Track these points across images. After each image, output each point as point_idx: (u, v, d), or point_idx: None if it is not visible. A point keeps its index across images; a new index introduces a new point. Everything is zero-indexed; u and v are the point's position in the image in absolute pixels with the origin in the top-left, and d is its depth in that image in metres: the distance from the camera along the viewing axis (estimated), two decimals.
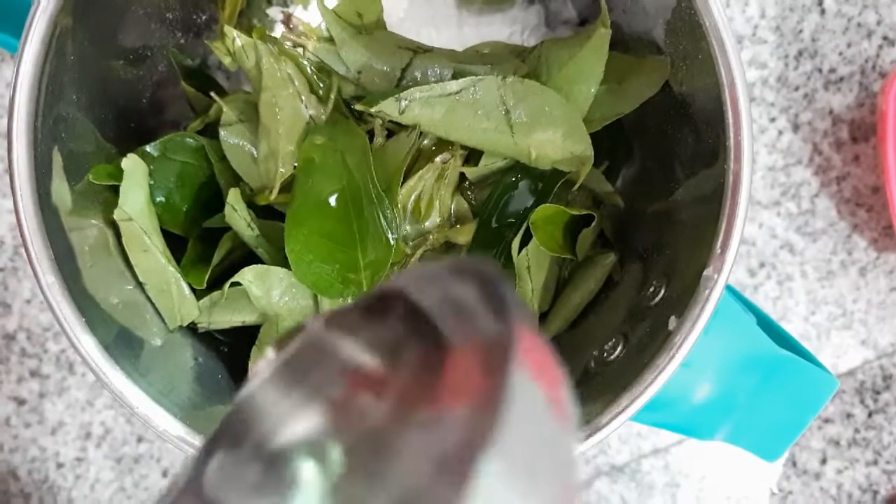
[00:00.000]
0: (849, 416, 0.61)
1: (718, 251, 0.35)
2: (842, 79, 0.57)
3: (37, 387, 0.57)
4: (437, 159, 0.41)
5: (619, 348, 0.40)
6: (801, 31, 0.56)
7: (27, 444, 0.57)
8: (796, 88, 0.57)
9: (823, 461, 0.61)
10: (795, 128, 0.58)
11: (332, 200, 0.40)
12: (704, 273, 0.35)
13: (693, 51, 0.36)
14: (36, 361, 0.56)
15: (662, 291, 0.39)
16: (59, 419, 0.57)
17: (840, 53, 0.56)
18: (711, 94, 0.35)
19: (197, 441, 0.37)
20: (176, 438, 0.37)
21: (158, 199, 0.42)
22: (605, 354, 0.40)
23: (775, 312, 0.59)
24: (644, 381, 0.36)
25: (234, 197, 0.40)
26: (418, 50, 0.43)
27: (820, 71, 0.57)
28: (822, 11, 0.56)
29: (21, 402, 0.57)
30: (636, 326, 0.40)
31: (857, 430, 0.61)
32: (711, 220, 0.36)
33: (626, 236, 0.45)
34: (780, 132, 0.57)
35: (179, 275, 0.40)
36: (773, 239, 0.59)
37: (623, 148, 0.45)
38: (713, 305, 0.35)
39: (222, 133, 0.42)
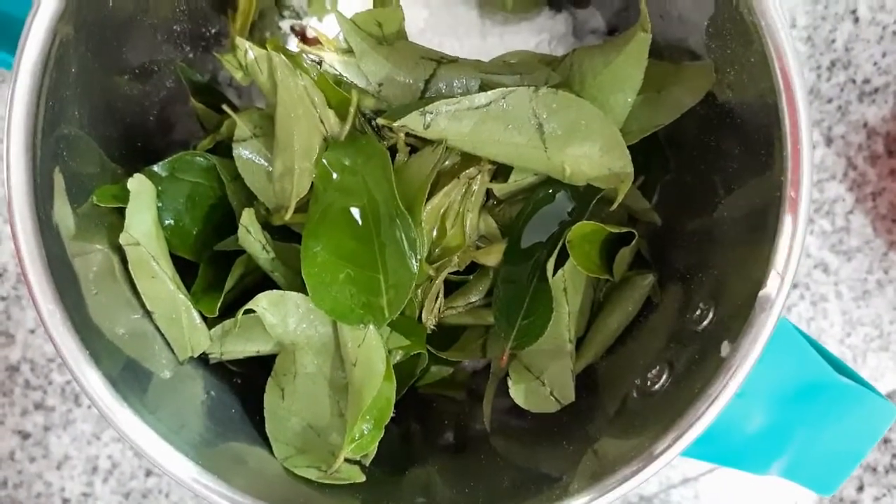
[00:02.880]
0: (886, 441, 0.59)
1: (776, 270, 0.32)
2: (877, 90, 0.55)
3: (41, 420, 0.55)
4: (463, 175, 0.39)
5: (665, 377, 0.37)
6: (833, 41, 0.54)
7: (32, 478, 0.56)
8: (829, 100, 0.55)
9: (860, 488, 0.58)
10: (829, 141, 0.56)
11: (352, 220, 0.38)
12: (760, 293, 0.33)
13: (743, 54, 0.33)
14: (40, 393, 0.55)
15: (711, 315, 0.36)
16: (65, 453, 0.55)
17: (875, 63, 0.54)
18: (765, 100, 0.32)
19: (210, 482, 0.35)
20: (189, 480, 0.34)
21: (167, 222, 0.40)
22: (649, 384, 0.38)
23: (809, 334, 0.57)
24: (696, 413, 0.34)
25: (247, 217, 0.38)
26: (442, 60, 0.40)
27: (854, 82, 0.55)
28: (856, 20, 0.54)
29: (25, 435, 0.55)
30: (682, 353, 0.37)
31: (894, 456, 0.58)
32: (765, 237, 0.33)
33: (664, 255, 0.43)
34: (813, 146, 0.55)
35: (189, 302, 0.38)
36: (806, 258, 0.56)
37: (659, 161, 0.43)
38: (771, 328, 0.33)
39: (236, 149, 0.40)
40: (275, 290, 0.39)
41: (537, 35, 0.47)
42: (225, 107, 0.41)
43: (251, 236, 0.39)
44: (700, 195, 0.40)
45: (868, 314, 0.56)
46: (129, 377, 0.36)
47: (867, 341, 0.56)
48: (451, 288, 0.43)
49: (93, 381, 0.34)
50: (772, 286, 0.33)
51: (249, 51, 0.40)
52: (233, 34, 0.42)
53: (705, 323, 0.36)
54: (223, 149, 0.42)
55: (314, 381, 0.39)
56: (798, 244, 0.32)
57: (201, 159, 0.41)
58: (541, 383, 0.40)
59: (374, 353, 0.37)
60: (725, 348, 0.33)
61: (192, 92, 0.44)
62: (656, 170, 0.43)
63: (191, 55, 0.45)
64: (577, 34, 0.48)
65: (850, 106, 0.55)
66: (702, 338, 0.36)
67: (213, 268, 0.41)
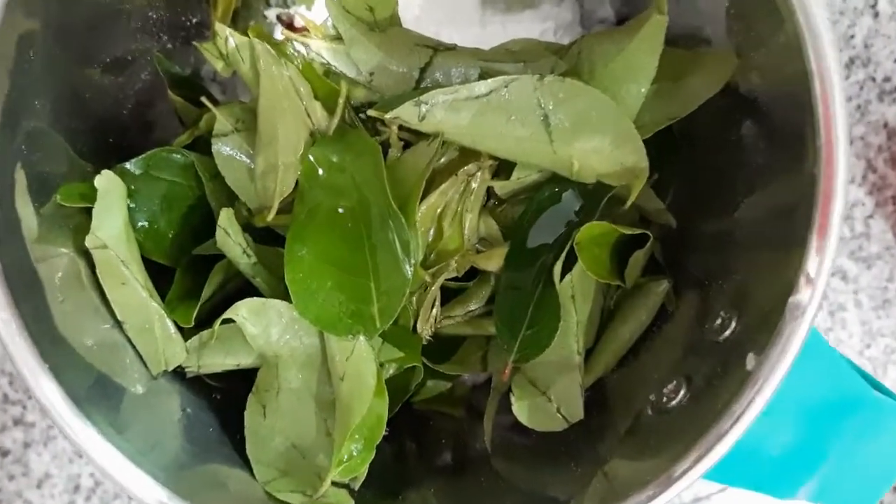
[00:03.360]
0: None
1: (807, 274, 0.30)
2: None
3: (21, 436, 0.53)
4: (462, 172, 0.37)
5: (682, 392, 0.35)
6: (852, 37, 0.52)
7: (11, 497, 0.54)
8: (848, 99, 0.53)
9: None
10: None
11: (340, 221, 0.36)
12: (790, 300, 0.30)
13: (771, 36, 0.31)
14: (20, 409, 0.53)
15: (733, 324, 0.34)
16: (46, 471, 0.54)
17: None
18: (795, 86, 0.30)
19: None
20: None
21: (140, 224, 0.38)
22: (665, 399, 0.35)
23: None
24: (718, 432, 0.31)
25: (226, 218, 0.36)
26: (439, 48, 0.38)
27: (873, 80, 0.52)
28: (876, 14, 0.52)
29: (4, 452, 0.53)
30: (701, 366, 0.35)
31: None
32: (794, 238, 0.31)
33: (679, 260, 0.40)
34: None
35: (164, 311, 0.37)
36: None
37: (674, 157, 0.40)
38: (802, 338, 0.30)
39: (215, 144, 0.38)
40: (256, 298, 0.37)
41: (542, 24, 0.45)
42: (204, 99, 0.39)
43: (230, 239, 0.37)
44: (719, 194, 0.38)
45: (889, 325, 0.54)
46: (97, 393, 0.34)
47: (888, 353, 0.55)
48: (449, 295, 0.41)
49: (51, 395, 0.31)
50: (803, 292, 0.30)
51: (230, 38, 0.38)
52: (213, 21, 0.39)
53: (727, 333, 0.34)
54: (202, 145, 0.40)
55: (299, 397, 0.37)
56: (832, 245, 0.30)
57: (178, 156, 0.39)
58: (546, 399, 0.38)
59: (363, 366, 0.35)
60: (751, 361, 0.31)
61: (169, 84, 0.42)
62: (670, 167, 0.40)
63: (169, 46, 0.43)
64: (584, 24, 0.47)
65: (869, 105, 0.53)
66: (723, 349, 0.34)
67: (191, 274, 0.39)
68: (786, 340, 0.30)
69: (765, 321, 0.31)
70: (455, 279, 0.40)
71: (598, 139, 0.34)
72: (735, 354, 0.32)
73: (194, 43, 0.40)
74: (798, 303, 0.30)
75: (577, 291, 0.37)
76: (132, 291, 0.36)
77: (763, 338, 0.31)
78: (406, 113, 0.35)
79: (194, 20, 0.44)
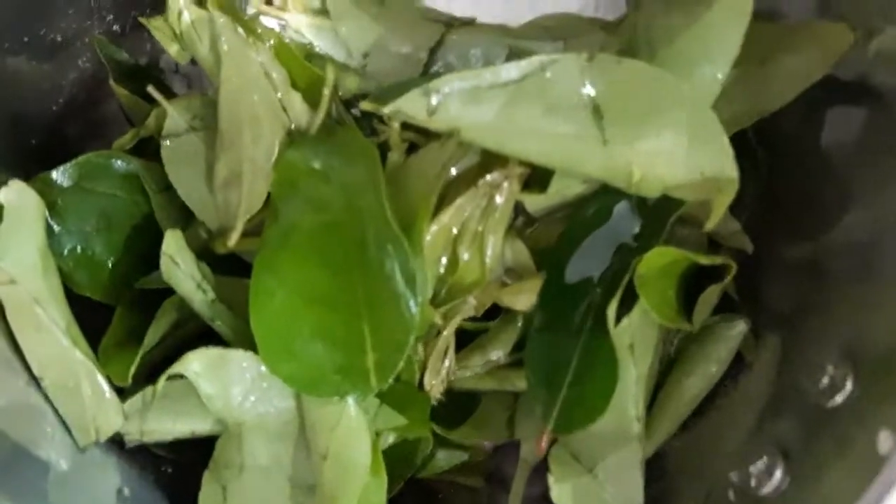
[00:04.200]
0: None
1: None
2: None
3: None
4: (483, 182, 0.30)
5: (779, 474, 0.27)
6: None
7: None
8: None
9: None
10: None
11: (324, 246, 0.29)
12: None
13: None
14: None
15: (848, 385, 0.26)
16: None
17: None
18: None
19: None
20: None
21: (68, 249, 0.33)
22: (755, 482, 0.27)
23: None
24: None
25: (172, 242, 0.30)
26: (454, 23, 0.32)
27: None
28: None
29: None
30: (799, 436, 0.27)
31: None
32: None
33: (756, 295, 0.33)
34: None
35: (93, 365, 0.31)
36: None
37: (749, 165, 0.32)
38: None
39: (165, 146, 0.32)
40: (213, 348, 0.30)
41: None
42: (151, 89, 0.32)
43: (179, 270, 0.30)
44: (810, 210, 0.31)
45: None
46: (5, 469, 0.27)
47: None
48: (465, 339, 0.34)
49: None
50: None
51: (185, 12, 0.31)
52: None
53: (841, 398, 0.26)
54: (151, 149, 0.34)
55: (268, 476, 0.30)
56: None
57: (119, 163, 0.33)
58: (593, 478, 0.29)
59: (354, 440, 0.28)
60: (886, 441, 0.23)
61: (113, 74, 0.35)
62: (746, 177, 0.32)
63: (116, 27, 0.36)
64: None
65: None
66: (837, 419, 0.26)
67: (136, 314, 0.33)
68: None
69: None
70: (473, 319, 0.33)
71: (670, 138, 0.26)
72: (857, 428, 0.25)
73: (140, 19, 0.33)
74: None
75: (636, 339, 0.29)
76: (50, 339, 0.29)
77: None
78: (411, 105, 0.28)
79: None
